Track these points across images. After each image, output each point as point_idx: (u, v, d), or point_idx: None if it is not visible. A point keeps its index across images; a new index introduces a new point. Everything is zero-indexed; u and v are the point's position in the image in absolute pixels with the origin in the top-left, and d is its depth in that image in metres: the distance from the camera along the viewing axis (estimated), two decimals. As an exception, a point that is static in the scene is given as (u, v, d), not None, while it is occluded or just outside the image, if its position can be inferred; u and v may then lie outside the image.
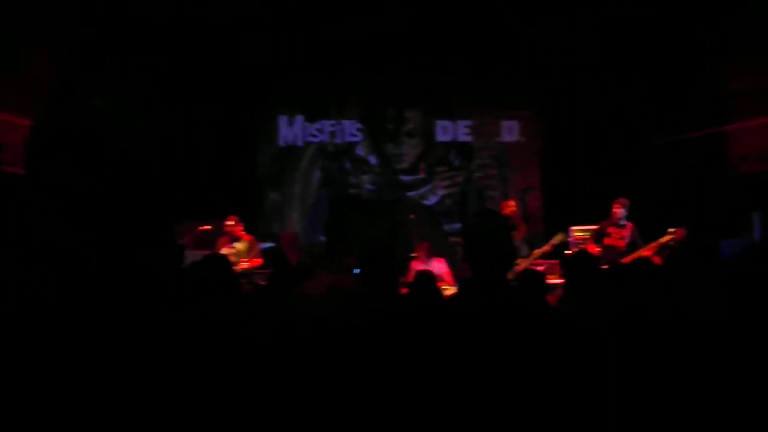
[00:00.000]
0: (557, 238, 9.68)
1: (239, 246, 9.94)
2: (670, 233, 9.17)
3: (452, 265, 10.46)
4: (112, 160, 1.45)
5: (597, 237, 9.53)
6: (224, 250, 9.64)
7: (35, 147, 1.44)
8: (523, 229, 10.58)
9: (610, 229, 9.44)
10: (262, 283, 8.83)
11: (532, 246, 10.28)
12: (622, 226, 9.42)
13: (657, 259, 8.19)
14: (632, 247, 9.25)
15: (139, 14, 10.57)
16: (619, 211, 9.42)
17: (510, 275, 6.80)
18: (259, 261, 10.00)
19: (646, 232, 9.44)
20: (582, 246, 9.45)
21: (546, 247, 9.56)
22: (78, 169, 1.41)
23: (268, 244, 11.20)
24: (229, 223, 9.98)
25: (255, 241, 10.24)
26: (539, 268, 8.84)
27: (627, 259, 9.00)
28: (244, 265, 9.55)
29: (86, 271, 1.41)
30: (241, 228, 10.11)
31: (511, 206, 10.44)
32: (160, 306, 1.54)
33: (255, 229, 11.70)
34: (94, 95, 1.47)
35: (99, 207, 1.42)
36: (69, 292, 1.39)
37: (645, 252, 9.06)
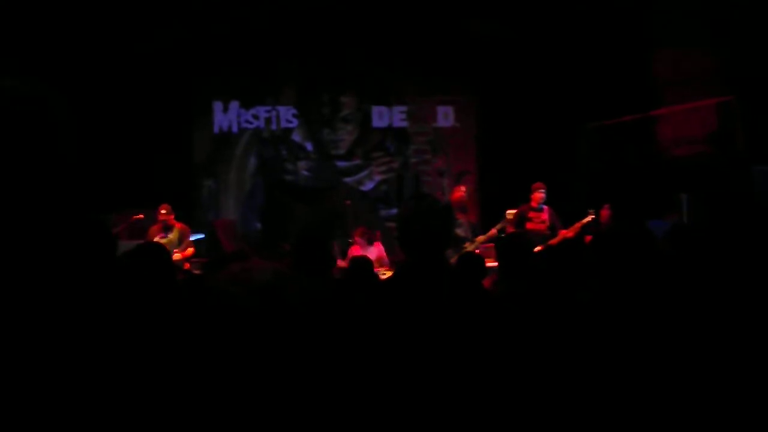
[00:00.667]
0: (502, 223, 9.75)
1: (171, 236, 9.78)
2: (590, 214, 9.39)
3: (389, 251, 10.48)
4: (30, 146, 1.40)
5: (518, 222, 9.65)
6: (156, 240, 9.50)
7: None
8: (473, 214, 10.68)
9: (531, 214, 9.59)
10: (197, 272, 8.73)
11: (475, 230, 10.34)
12: (541, 210, 9.60)
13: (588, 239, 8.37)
14: (553, 230, 9.43)
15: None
16: (539, 195, 9.58)
17: (453, 259, 6.84)
18: (191, 251, 9.87)
19: (578, 216, 9.59)
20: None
21: (493, 231, 9.62)
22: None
23: (199, 235, 11.05)
24: (162, 212, 9.80)
25: (187, 230, 10.09)
26: (477, 251, 8.92)
27: (553, 242, 9.14)
28: (177, 256, 9.41)
29: (12, 263, 1.37)
30: (173, 217, 9.95)
31: (461, 191, 10.48)
32: (92, 297, 1.50)
33: (190, 217, 11.57)
34: (5, 76, 1.42)
35: (19, 197, 1.37)
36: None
37: (567, 234, 9.25)
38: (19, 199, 1.36)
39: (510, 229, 9.50)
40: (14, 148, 1.36)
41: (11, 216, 1.36)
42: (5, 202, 1.35)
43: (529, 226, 9.49)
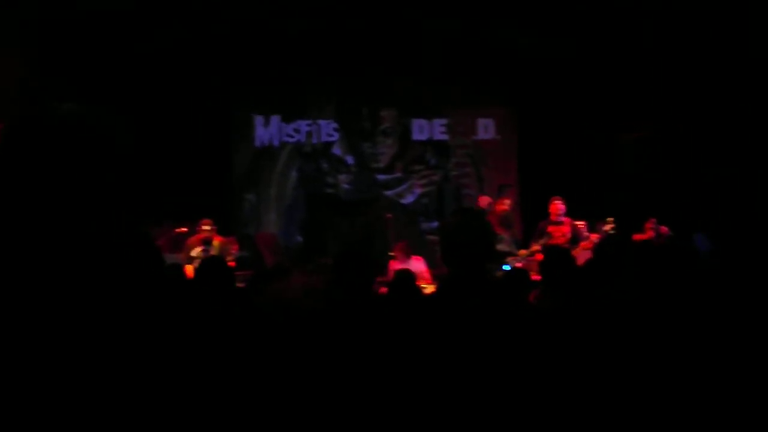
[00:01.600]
0: (546, 238, 9.68)
1: (212, 250, 9.83)
2: (609, 222, 9.27)
3: (430, 264, 10.45)
4: (84, 164, 1.42)
5: (538, 237, 9.58)
6: (195, 252, 9.57)
7: (4, 151, 1.41)
8: (516, 227, 10.62)
9: (550, 229, 9.49)
10: (240, 285, 8.77)
11: (518, 245, 10.28)
12: (561, 223, 9.50)
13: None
14: (574, 242, 9.32)
15: (110, 15, 10.49)
16: (557, 207, 9.49)
17: (498, 273, 6.81)
18: (233, 264, 9.90)
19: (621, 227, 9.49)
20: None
21: (535, 246, 9.54)
22: (49, 174, 1.38)
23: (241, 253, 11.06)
24: (204, 227, 9.87)
25: (227, 242, 10.15)
26: (519, 265, 8.87)
27: (575, 252, 9.07)
28: None
29: (64, 274, 1.39)
30: (215, 231, 10.01)
31: (503, 204, 10.42)
32: (141, 310, 1.51)
33: (231, 230, 11.65)
34: (64, 100, 1.44)
35: (72, 211, 1.40)
36: (48, 296, 1.37)
37: (587, 244, 9.12)
38: (76, 217, 1.38)
39: (532, 245, 9.47)
40: (73, 169, 1.38)
41: (69, 233, 1.38)
42: (63, 221, 1.37)
43: (550, 242, 9.40)
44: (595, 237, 9.19)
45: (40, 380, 1.32)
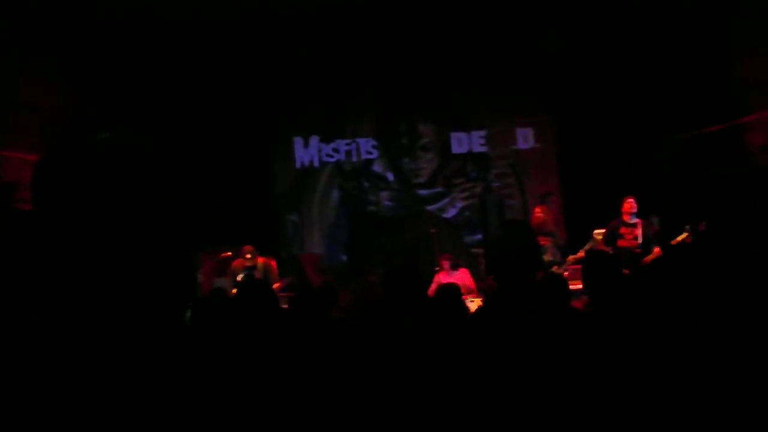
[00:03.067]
0: (591, 243, 9.57)
1: (256, 273, 9.87)
2: (686, 231, 9.07)
3: (475, 276, 10.40)
4: (123, 191, 1.44)
5: (609, 239, 9.37)
6: (239, 277, 9.62)
7: (39, 183, 1.43)
8: (561, 235, 10.48)
9: (623, 230, 9.28)
10: (284, 306, 8.79)
11: (563, 252, 10.16)
12: (634, 225, 9.27)
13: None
14: (646, 245, 9.10)
15: (147, 40, 10.63)
16: (631, 206, 9.28)
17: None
18: (278, 285, 9.91)
19: (667, 232, 9.34)
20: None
21: (580, 253, 9.42)
22: (85, 203, 1.40)
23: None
24: (247, 255, 9.91)
25: (271, 264, 10.20)
26: (565, 274, 8.76)
27: (647, 259, 8.90)
28: None
29: (102, 303, 1.40)
30: (257, 257, 10.04)
31: (542, 214, 10.31)
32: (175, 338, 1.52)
33: (275, 252, 11.69)
34: (101, 129, 1.46)
35: (110, 241, 1.41)
36: (89, 324, 1.38)
37: (660, 252, 8.95)
38: (116, 243, 1.39)
39: (602, 248, 9.26)
40: (115, 195, 1.39)
41: (108, 258, 1.39)
42: (102, 249, 1.38)
43: (620, 243, 9.20)
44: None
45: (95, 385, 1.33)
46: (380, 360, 2.37)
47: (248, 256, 9.88)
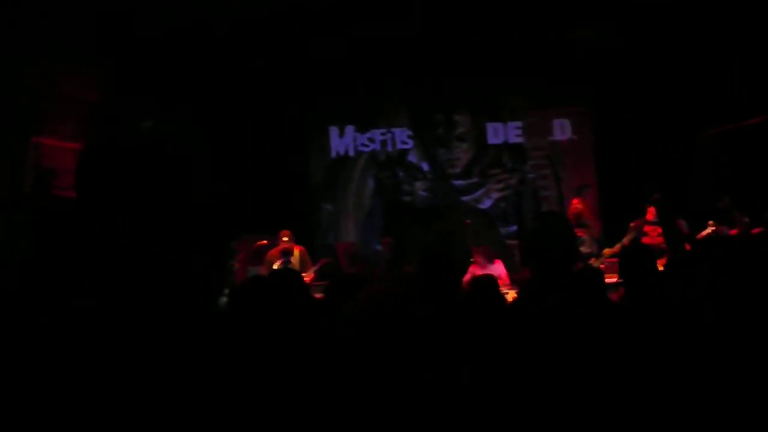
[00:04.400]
0: (631, 234, 9.50)
1: (293, 260, 9.93)
2: (710, 225, 9.00)
3: (509, 268, 10.35)
4: (164, 181, 1.44)
5: (635, 235, 9.34)
6: (276, 265, 9.65)
7: (84, 170, 1.44)
8: (597, 227, 10.42)
9: (647, 228, 9.25)
10: (318, 295, 8.82)
11: (600, 244, 10.10)
12: (657, 223, 9.23)
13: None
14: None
15: (187, 31, 10.69)
16: (652, 217, 9.26)
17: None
18: (312, 275, 9.95)
19: (700, 227, 9.25)
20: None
21: (617, 246, 9.36)
22: (129, 191, 1.41)
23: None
24: (284, 239, 9.97)
25: (306, 253, 10.24)
26: (601, 267, 8.71)
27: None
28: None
29: (139, 298, 1.41)
30: (294, 242, 10.11)
31: (579, 205, 10.26)
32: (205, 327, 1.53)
33: (311, 241, 11.74)
34: (143, 118, 1.47)
35: (150, 230, 1.41)
36: (124, 317, 1.39)
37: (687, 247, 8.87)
38: (158, 234, 1.40)
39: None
40: (156, 185, 1.40)
41: (151, 250, 1.40)
42: (145, 240, 1.39)
43: (645, 240, 9.17)
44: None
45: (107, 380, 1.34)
46: (408, 352, 2.37)
47: (285, 238, 9.94)
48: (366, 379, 2.07)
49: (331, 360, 2.28)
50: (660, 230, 9.21)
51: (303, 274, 9.47)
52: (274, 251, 10.07)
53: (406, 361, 2.08)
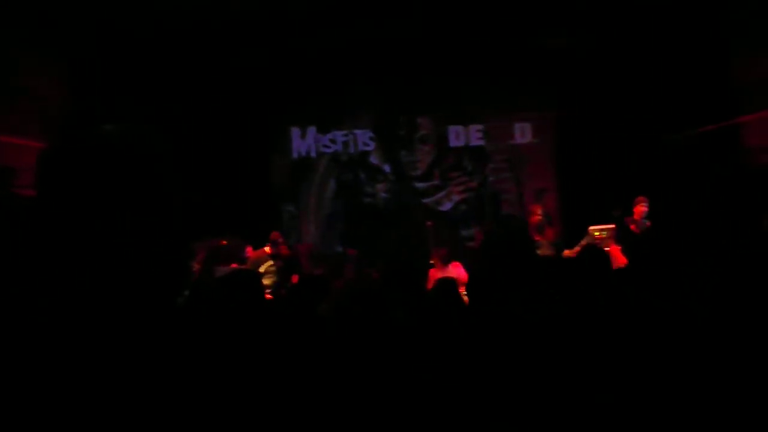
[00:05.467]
0: (587, 239, 9.59)
1: (278, 262, 9.88)
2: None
3: (468, 270, 10.40)
4: (125, 183, 1.44)
5: (621, 236, 9.40)
6: (263, 268, 9.60)
7: (43, 171, 1.43)
8: (551, 231, 10.49)
9: (633, 228, 9.31)
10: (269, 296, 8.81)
11: (557, 248, 10.19)
12: (644, 224, 9.30)
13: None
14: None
15: (145, 31, 10.61)
16: (641, 209, 9.30)
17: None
18: (296, 278, 9.89)
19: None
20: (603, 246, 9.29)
21: (577, 248, 9.43)
22: (88, 192, 1.40)
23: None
24: (279, 240, 9.93)
25: (291, 255, 10.22)
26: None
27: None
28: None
29: (96, 295, 1.41)
30: (282, 242, 10.10)
31: (537, 211, 10.35)
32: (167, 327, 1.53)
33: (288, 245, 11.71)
34: (105, 119, 1.46)
35: (115, 230, 1.41)
36: (79, 312, 1.38)
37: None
38: (118, 236, 1.40)
39: (612, 245, 9.29)
40: (116, 187, 1.40)
41: (110, 251, 1.40)
42: (104, 241, 1.39)
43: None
44: None
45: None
46: (374, 354, 2.39)
47: (279, 240, 9.90)
48: (342, 378, 2.08)
49: (309, 359, 2.29)
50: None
51: (292, 278, 9.50)
52: (262, 253, 10.01)
53: (383, 360, 2.09)
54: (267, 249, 10.00)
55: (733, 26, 11.22)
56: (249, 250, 10.03)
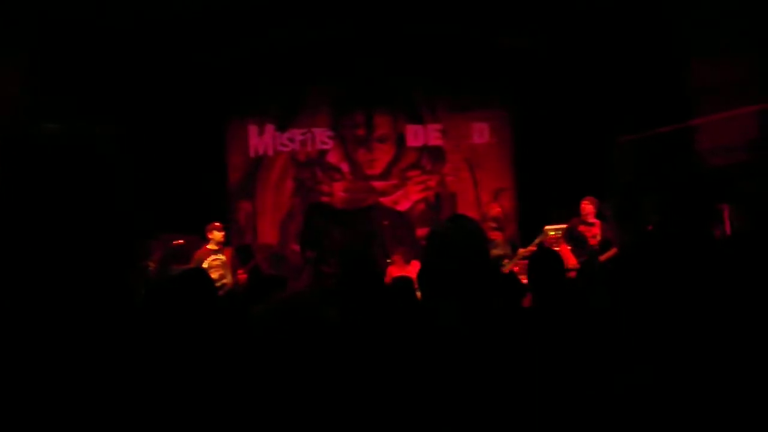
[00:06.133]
0: (541, 237, 9.68)
1: (223, 256, 9.77)
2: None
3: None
4: (73, 182, 1.43)
5: (568, 236, 9.49)
6: (207, 263, 9.49)
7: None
8: (509, 230, 10.59)
9: (582, 228, 9.41)
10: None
11: (514, 247, 10.26)
12: (592, 224, 9.41)
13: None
14: (605, 245, 9.23)
15: (104, 28, 10.49)
16: (588, 208, 9.41)
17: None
18: (244, 276, 9.79)
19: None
20: (555, 246, 9.38)
21: (531, 247, 9.50)
22: (35, 193, 1.39)
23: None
24: (217, 233, 9.77)
25: (233, 252, 10.11)
26: (515, 269, 8.86)
27: (603, 258, 9.01)
28: (227, 280, 9.39)
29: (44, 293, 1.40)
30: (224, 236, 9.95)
31: (495, 209, 10.41)
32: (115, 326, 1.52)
33: (228, 240, 11.63)
34: (58, 115, 1.46)
35: (62, 230, 1.40)
36: (29, 308, 1.37)
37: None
38: (66, 236, 1.39)
39: (563, 244, 9.37)
40: (61, 188, 1.39)
41: (58, 252, 1.39)
42: (52, 241, 1.38)
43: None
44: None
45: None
46: (334, 350, 2.39)
47: (220, 232, 9.76)
48: (271, 381, 2.08)
49: (238, 360, 2.28)
50: (594, 231, 9.39)
51: (240, 270, 9.42)
52: (205, 249, 9.89)
53: (314, 364, 2.09)
54: (209, 246, 9.87)
55: (688, 30, 11.40)
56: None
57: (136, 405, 1.44)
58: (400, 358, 2.51)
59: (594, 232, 9.35)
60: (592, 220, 9.40)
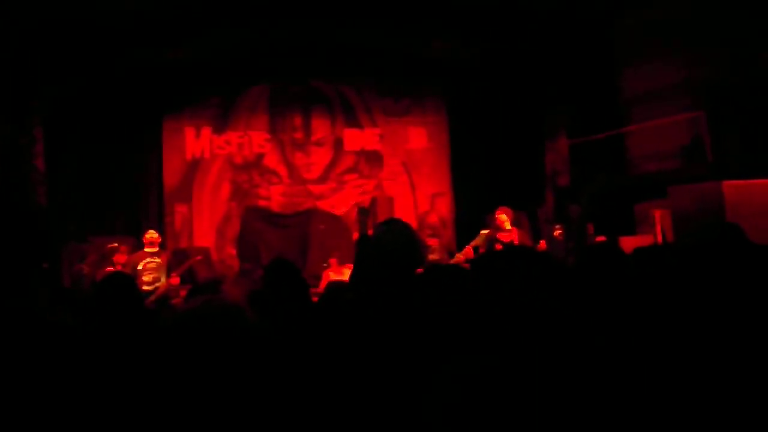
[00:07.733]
0: (477, 240, 9.74)
1: (159, 260, 9.61)
2: (557, 228, 9.44)
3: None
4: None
5: (488, 245, 9.60)
6: (141, 265, 9.30)
7: None
8: (446, 236, 10.66)
9: (499, 235, 9.55)
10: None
11: (450, 251, 10.33)
12: (509, 231, 9.56)
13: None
14: None
15: (44, 30, 10.29)
16: (501, 217, 9.55)
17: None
18: (177, 280, 9.62)
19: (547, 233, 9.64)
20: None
21: (468, 249, 9.56)
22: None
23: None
24: (152, 238, 9.59)
25: (169, 255, 9.95)
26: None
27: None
28: (175, 280, 9.22)
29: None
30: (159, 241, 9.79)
31: (432, 216, 10.49)
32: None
33: (163, 243, 11.50)
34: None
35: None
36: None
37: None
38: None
39: (468, 249, 9.46)
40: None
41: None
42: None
43: (498, 247, 9.45)
44: (543, 244, 9.35)
45: None
46: (262, 355, 2.36)
47: (155, 238, 9.57)
48: (179, 386, 2.05)
49: (149, 364, 2.25)
50: (511, 237, 9.49)
51: (173, 274, 9.25)
52: (141, 253, 9.69)
53: (228, 372, 2.07)
54: (145, 249, 9.69)
55: (619, 40, 11.64)
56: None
57: (38, 409, 1.42)
58: (318, 364, 2.50)
59: (511, 238, 9.50)
60: (509, 227, 9.54)
